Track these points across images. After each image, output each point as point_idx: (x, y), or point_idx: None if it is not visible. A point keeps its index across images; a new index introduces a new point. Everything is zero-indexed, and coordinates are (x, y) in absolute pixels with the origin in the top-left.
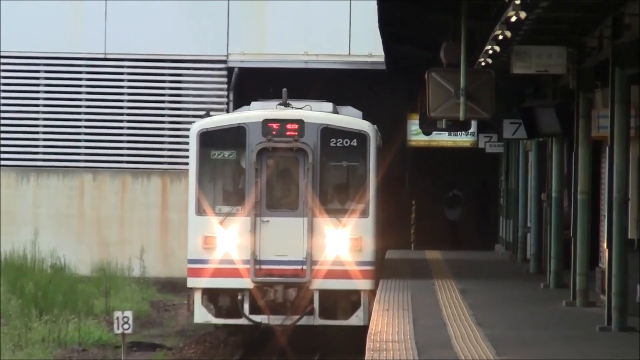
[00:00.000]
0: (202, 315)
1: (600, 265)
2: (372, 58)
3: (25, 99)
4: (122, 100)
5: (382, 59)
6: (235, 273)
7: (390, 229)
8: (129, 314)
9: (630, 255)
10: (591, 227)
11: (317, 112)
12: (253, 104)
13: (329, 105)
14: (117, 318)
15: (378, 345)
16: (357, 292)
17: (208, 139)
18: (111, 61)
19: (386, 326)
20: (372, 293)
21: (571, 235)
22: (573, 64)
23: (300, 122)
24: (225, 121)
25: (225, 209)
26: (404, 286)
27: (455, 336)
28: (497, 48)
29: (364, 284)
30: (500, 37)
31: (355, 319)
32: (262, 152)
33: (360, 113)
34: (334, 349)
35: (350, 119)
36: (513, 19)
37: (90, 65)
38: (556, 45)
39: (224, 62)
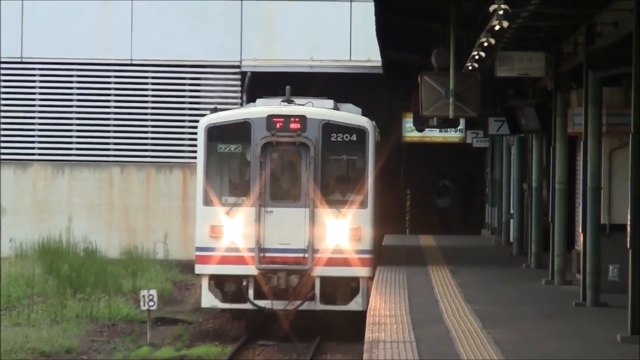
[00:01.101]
0: (209, 300)
1: (575, 247)
2: (370, 63)
3: (60, 100)
4: (146, 102)
5: (380, 64)
6: (240, 260)
7: (387, 216)
8: (153, 292)
9: (602, 238)
10: (567, 214)
11: (318, 109)
12: (258, 100)
13: (330, 102)
14: (143, 296)
15: (377, 319)
16: (356, 279)
17: (215, 133)
18: (137, 67)
19: (384, 303)
20: (370, 280)
21: (550, 221)
22: (551, 67)
23: (302, 117)
24: (232, 116)
25: (231, 199)
26: (400, 267)
27: (446, 312)
28: (482, 54)
29: (362, 271)
30: (486, 44)
31: (354, 304)
32: (267, 146)
33: (359, 110)
34: (334, 333)
35: (350, 115)
36: (497, 27)
37: (118, 70)
38: (536, 51)
39: (238, 67)
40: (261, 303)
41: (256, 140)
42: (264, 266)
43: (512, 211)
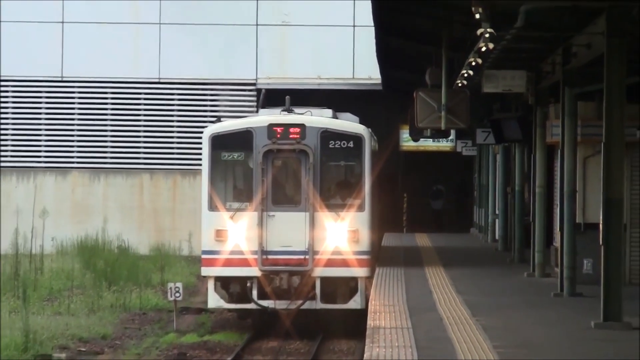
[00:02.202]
0: (214, 300)
1: (554, 244)
2: (371, 80)
3: (96, 114)
4: (172, 115)
5: (379, 81)
6: (244, 263)
7: (387, 217)
8: (179, 285)
9: (577, 236)
10: (546, 214)
11: (317, 117)
12: (261, 111)
13: (328, 112)
14: (170, 288)
15: (378, 308)
16: (354, 279)
17: (219, 142)
18: (164, 84)
19: (384, 293)
20: (369, 280)
21: (531, 220)
22: (531, 84)
23: (302, 126)
24: (235, 126)
25: (235, 205)
26: (398, 261)
27: (439, 301)
28: (471, 72)
29: (361, 272)
30: (473, 63)
31: (353, 303)
32: (268, 154)
33: (357, 118)
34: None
35: (348, 123)
36: (483, 49)
37: (147, 87)
38: (518, 70)
39: (254, 84)
40: (264, 303)
41: (258, 148)
42: (266, 268)
43: (497, 212)
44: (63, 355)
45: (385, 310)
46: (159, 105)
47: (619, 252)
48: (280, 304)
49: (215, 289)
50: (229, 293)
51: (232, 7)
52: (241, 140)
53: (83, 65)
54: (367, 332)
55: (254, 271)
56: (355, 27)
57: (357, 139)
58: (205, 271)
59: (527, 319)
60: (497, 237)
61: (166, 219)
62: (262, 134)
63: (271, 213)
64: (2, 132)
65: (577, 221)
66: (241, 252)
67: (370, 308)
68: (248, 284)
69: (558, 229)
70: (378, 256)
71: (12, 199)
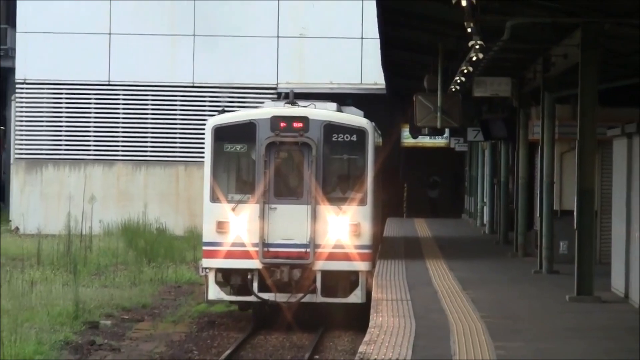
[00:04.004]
0: (215, 292)
1: (534, 228)
2: (377, 85)
3: (138, 113)
4: (204, 114)
5: (384, 86)
6: (245, 255)
7: (389, 204)
8: None
9: (555, 221)
10: (528, 202)
11: (320, 110)
12: (266, 103)
13: (332, 105)
14: (201, 265)
15: (382, 282)
16: (355, 273)
17: (222, 133)
18: (197, 88)
19: (387, 269)
20: (370, 274)
21: (514, 207)
22: (515, 89)
23: (305, 118)
24: (238, 117)
25: (237, 196)
26: (399, 242)
27: (434, 277)
28: (463, 79)
29: (362, 266)
30: (465, 71)
31: (354, 297)
32: (271, 146)
33: (361, 112)
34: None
35: (351, 116)
36: (474, 58)
37: (183, 90)
38: (504, 77)
39: (275, 88)
40: (265, 296)
41: (261, 140)
42: (268, 260)
43: (485, 200)
44: (108, 322)
45: (388, 285)
46: (193, 106)
47: (590, 236)
48: (280, 297)
49: (216, 281)
50: (229, 285)
51: (257, 21)
52: (244, 132)
53: (127, 71)
54: (372, 304)
55: (255, 263)
56: (363, 40)
57: (361, 132)
58: (206, 263)
59: (510, 292)
60: (485, 222)
61: (198, 205)
62: (265, 126)
63: (273, 205)
64: (57, 129)
65: (554, 208)
66: (242, 244)
67: (375, 282)
68: (249, 277)
69: (538, 215)
70: (381, 239)
71: (65, 186)
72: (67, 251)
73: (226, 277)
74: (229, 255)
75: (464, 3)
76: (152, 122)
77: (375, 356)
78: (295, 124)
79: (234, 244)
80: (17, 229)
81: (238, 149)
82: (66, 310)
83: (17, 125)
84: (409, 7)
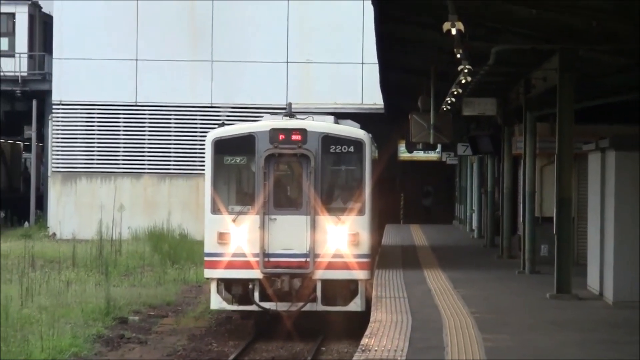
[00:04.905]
0: (217, 302)
1: (518, 233)
2: (375, 105)
3: (163, 131)
4: None
5: (382, 106)
6: (246, 265)
7: (387, 212)
8: None
9: (536, 227)
10: (512, 209)
11: (318, 122)
12: (265, 116)
13: (330, 118)
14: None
15: (381, 281)
16: (355, 282)
17: (222, 146)
18: (215, 108)
19: (386, 271)
20: (369, 282)
21: (500, 214)
22: (500, 109)
23: (303, 130)
24: (237, 130)
25: (238, 208)
26: (396, 245)
27: (428, 277)
28: (453, 99)
29: (361, 274)
30: (455, 92)
31: (354, 305)
32: (270, 158)
33: (358, 125)
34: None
35: (348, 128)
36: (463, 81)
37: (202, 111)
38: (490, 97)
39: (284, 108)
40: (266, 305)
41: (260, 152)
42: (268, 270)
43: (473, 208)
44: (136, 317)
45: (387, 284)
46: (211, 124)
47: (568, 240)
48: (281, 306)
49: (218, 291)
50: (231, 295)
51: (268, 48)
52: (244, 144)
53: (152, 93)
54: (373, 301)
55: (256, 273)
56: (364, 64)
57: (358, 143)
58: (207, 273)
59: (497, 290)
60: (473, 227)
61: None
62: (264, 139)
63: (273, 216)
64: (90, 145)
65: (536, 215)
66: (243, 255)
67: (376, 282)
68: (250, 286)
69: (521, 221)
70: (380, 243)
71: (97, 196)
72: (99, 254)
73: (228, 287)
74: (230, 265)
75: (453, 32)
76: (174, 138)
77: (376, 347)
78: (293, 136)
79: (235, 255)
80: (54, 234)
81: (238, 161)
82: (98, 307)
83: (54, 142)
84: (404, 35)
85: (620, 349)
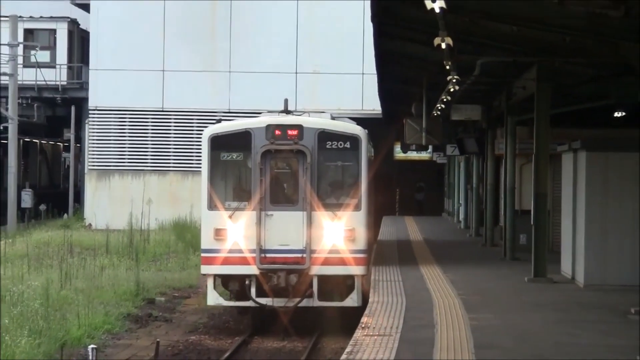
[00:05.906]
0: (213, 298)
1: (500, 224)
2: (375, 111)
3: (187, 133)
4: None
5: (380, 112)
6: (243, 261)
7: (385, 205)
8: None
9: (516, 218)
10: (495, 203)
11: (314, 118)
12: (262, 114)
13: (327, 115)
14: None
15: (379, 268)
16: (351, 277)
17: (218, 142)
18: (233, 113)
19: (383, 257)
20: (365, 278)
21: (484, 207)
22: (485, 114)
23: (299, 127)
24: (234, 127)
25: (234, 204)
26: (392, 233)
27: (420, 263)
28: (443, 105)
29: (357, 270)
30: (445, 99)
31: (350, 301)
32: (266, 154)
33: (354, 122)
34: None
35: (344, 124)
36: (451, 89)
37: (221, 115)
38: (475, 104)
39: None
40: (263, 301)
41: (256, 148)
42: (265, 266)
43: (461, 202)
44: (162, 298)
45: (384, 270)
46: None
47: (544, 230)
48: (278, 302)
49: (215, 287)
50: (228, 291)
51: (280, 59)
52: (240, 140)
53: (177, 100)
54: (371, 284)
55: (253, 269)
56: (364, 75)
57: (354, 139)
58: (204, 269)
59: (481, 275)
60: (460, 219)
61: None
62: (260, 135)
63: (269, 212)
64: (122, 146)
65: (515, 208)
66: (240, 251)
67: (373, 269)
68: (247, 282)
69: (503, 214)
70: (378, 232)
71: (128, 191)
72: (129, 243)
73: (224, 283)
74: (227, 261)
75: (443, 46)
76: (197, 140)
77: (374, 324)
78: (290, 132)
79: (231, 251)
80: (90, 225)
81: (234, 157)
82: (129, 290)
83: (89, 143)
84: (400, 49)
85: (589, 327)
